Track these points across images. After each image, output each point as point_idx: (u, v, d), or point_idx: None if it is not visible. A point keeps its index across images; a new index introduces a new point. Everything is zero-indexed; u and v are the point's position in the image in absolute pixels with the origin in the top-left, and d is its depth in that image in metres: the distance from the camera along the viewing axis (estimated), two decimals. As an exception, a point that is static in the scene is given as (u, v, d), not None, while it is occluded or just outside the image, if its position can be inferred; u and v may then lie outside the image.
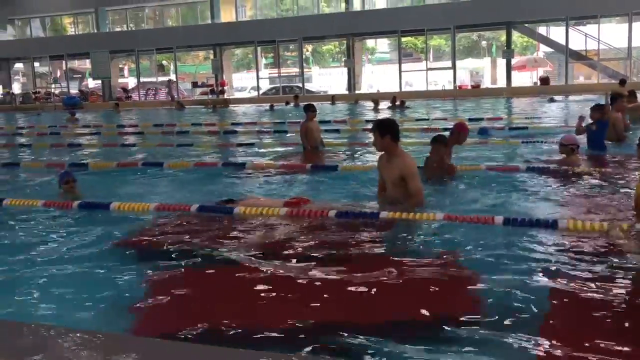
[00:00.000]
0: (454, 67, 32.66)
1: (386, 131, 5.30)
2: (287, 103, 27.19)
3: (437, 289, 3.67)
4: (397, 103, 22.57)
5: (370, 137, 5.94)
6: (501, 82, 35.18)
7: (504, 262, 3.99)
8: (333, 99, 28.09)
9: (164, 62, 44.09)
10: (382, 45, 47.34)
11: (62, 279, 3.96)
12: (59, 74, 43.36)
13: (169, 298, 3.58)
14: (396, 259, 4.19)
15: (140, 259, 4.38)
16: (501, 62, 35.35)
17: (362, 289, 3.62)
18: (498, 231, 4.66)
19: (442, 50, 42.96)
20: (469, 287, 3.66)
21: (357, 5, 36.12)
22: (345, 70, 36.38)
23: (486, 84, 38.90)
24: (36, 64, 42.62)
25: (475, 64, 43.37)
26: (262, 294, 3.63)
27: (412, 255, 4.27)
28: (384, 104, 23.17)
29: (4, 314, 3.39)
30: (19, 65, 44.79)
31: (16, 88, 43.39)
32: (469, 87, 34.46)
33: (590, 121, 9.12)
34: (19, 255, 4.53)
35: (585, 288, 3.53)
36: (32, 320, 3.19)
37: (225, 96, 34.28)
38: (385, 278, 3.76)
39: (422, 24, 32.23)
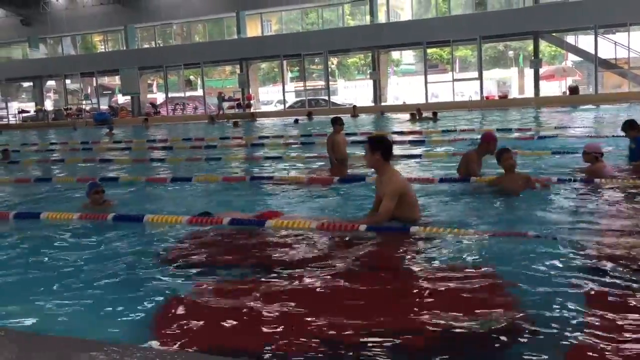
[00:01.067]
0: (480, 77, 32.45)
1: (377, 148, 5.22)
2: (297, 121, 25.88)
3: (471, 302, 3.62)
4: (428, 115, 22.26)
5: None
6: (529, 92, 34.81)
7: (537, 275, 3.92)
8: (354, 110, 27.45)
9: (191, 77, 44.68)
10: (407, 56, 47.24)
11: (94, 291, 4.01)
12: (89, 90, 44.25)
13: (200, 310, 3.60)
14: (429, 273, 4.15)
15: (173, 272, 4.41)
16: (529, 72, 34.96)
17: (397, 302, 3.59)
18: (530, 244, 4.59)
19: (468, 60, 42.70)
20: (505, 302, 3.61)
21: (382, 18, 36.21)
22: (370, 82, 36.41)
23: (514, 94, 38.51)
24: (68, 81, 43.61)
25: (502, 74, 42.95)
26: (292, 307, 3.62)
27: (445, 269, 4.23)
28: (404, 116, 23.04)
29: (36, 325, 3.44)
30: (51, 83, 45.87)
31: (48, 105, 44.39)
32: (496, 98, 34.16)
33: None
34: (53, 267, 4.62)
35: (622, 300, 3.45)
36: (64, 332, 3.24)
37: (252, 110, 34.56)
38: (419, 292, 3.73)
39: (447, 34, 32.12)
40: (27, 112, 43.67)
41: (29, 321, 3.52)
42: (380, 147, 5.21)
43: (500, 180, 6.74)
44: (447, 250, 4.69)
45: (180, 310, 3.65)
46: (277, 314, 3.50)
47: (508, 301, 3.60)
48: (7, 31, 43.36)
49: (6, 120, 42.41)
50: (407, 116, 23.18)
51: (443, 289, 3.81)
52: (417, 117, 22.10)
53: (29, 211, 6.61)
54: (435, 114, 22.21)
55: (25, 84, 46.08)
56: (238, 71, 38.45)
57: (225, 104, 38.76)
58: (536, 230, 4.85)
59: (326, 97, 36.38)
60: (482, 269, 4.16)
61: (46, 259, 4.94)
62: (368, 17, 35.93)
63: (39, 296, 3.96)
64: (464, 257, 4.51)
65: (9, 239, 5.76)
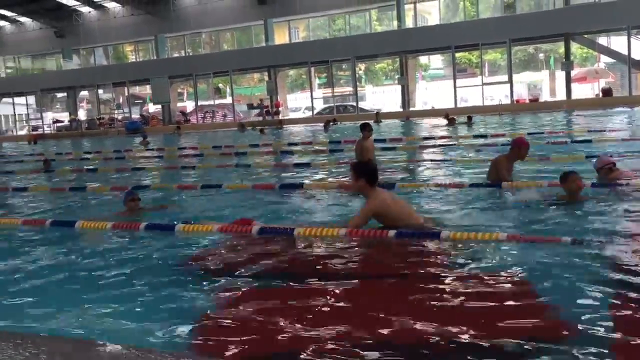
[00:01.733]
0: (510, 81, 32.08)
1: (362, 174, 5.36)
2: (327, 128, 25.47)
3: (504, 310, 3.57)
4: (462, 120, 22.08)
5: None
6: (560, 95, 34.29)
7: (572, 283, 3.85)
8: (377, 116, 27.14)
9: (220, 85, 45.19)
10: (435, 61, 46.99)
11: (127, 299, 4.07)
12: (121, 100, 45.12)
13: (230, 318, 3.62)
14: (458, 280, 4.10)
15: (204, 280, 4.45)
16: (560, 75, 34.44)
17: (428, 309, 3.56)
18: (565, 251, 4.51)
19: (497, 64, 42.27)
20: (539, 308, 3.55)
21: (409, 23, 36.11)
22: (398, 87, 36.31)
23: (545, 97, 37.96)
24: (100, 91, 44.53)
25: (533, 77, 42.37)
26: (322, 315, 3.62)
27: (475, 276, 4.18)
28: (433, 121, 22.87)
29: (72, 331, 3.50)
30: (84, 93, 46.88)
31: (82, 115, 45.35)
32: (527, 101, 33.72)
33: None
34: (87, 275, 4.71)
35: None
36: (97, 338, 3.29)
37: (280, 117, 34.78)
38: (448, 300, 3.69)
39: (476, 38, 31.85)
40: (61, 121, 44.70)
41: (59, 327, 3.58)
42: (364, 173, 5.37)
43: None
44: (478, 256, 4.63)
45: (211, 318, 3.67)
46: (304, 322, 3.50)
47: (541, 310, 3.53)
48: (41, 43, 44.52)
49: (41, 130, 43.49)
50: (436, 121, 23.04)
51: (473, 296, 3.76)
52: (449, 122, 21.92)
53: (65, 219, 6.74)
54: (470, 118, 22.00)
55: (59, 95, 47.15)
56: (266, 78, 38.75)
57: (253, 112, 39.12)
58: (571, 235, 4.75)
59: (354, 103, 36.40)
60: (514, 276, 4.09)
61: (80, 266, 5.04)
62: (395, 23, 35.86)
63: (74, 303, 4.02)
64: (495, 263, 4.45)
65: (46, 246, 5.88)
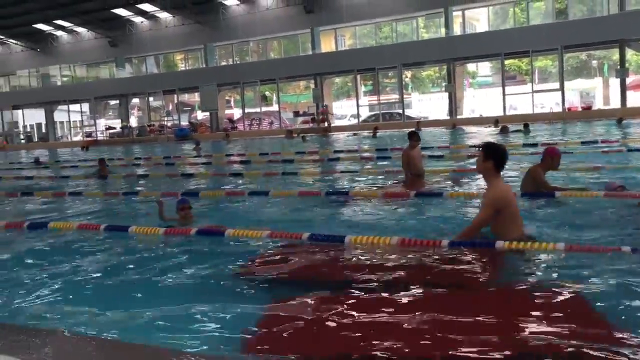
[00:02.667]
0: (562, 88, 31.31)
1: (491, 156, 4.98)
2: (375, 135, 25.87)
3: (558, 322, 3.47)
4: (517, 127, 21.76)
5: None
6: (615, 103, 33.23)
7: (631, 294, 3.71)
8: (418, 125, 26.84)
9: (266, 92, 45.70)
10: (483, 68, 46.32)
11: (177, 303, 4.13)
12: (170, 107, 46.17)
13: (280, 324, 3.63)
14: (513, 291, 4.01)
15: (254, 286, 4.49)
16: (614, 82, 33.39)
17: (478, 320, 3.49)
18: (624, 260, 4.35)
19: (548, 71, 41.35)
20: (593, 320, 3.43)
21: (457, 30, 35.73)
22: (445, 95, 35.92)
23: (598, 105, 36.87)
24: (151, 99, 45.69)
25: (586, 85, 41.24)
26: (373, 323, 3.59)
27: (531, 287, 4.07)
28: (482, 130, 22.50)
29: (124, 335, 3.57)
30: (135, 100, 48.20)
31: (133, 121, 46.58)
32: (579, 109, 32.82)
33: None
34: (139, 279, 4.81)
35: None
36: (149, 342, 3.35)
37: (325, 124, 34.92)
38: (500, 312, 3.61)
39: (526, 45, 31.25)
40: (114, 128, 46.02)
41: (119, 330, 3.66)
42: (494, 155, 4.97)
43: None
44: (534, 266, 4.52)
45: (260, 323, 3.69)
46: (353, 331, 3.48)
47: (599, 323, 3.42)
48: (96, 52, 46.05)
49: (95, 136, 44.90)
50: (486, 129, 22.68)
51: (528, 309, 3.66)
52: (502, 130, 21.55)
53: (118, 224, 6.92)
54: (526, 125, 21.62)
55: (112, 102, 48.59)
56: (312, 86, 38.96)
57: (299, 119, 39.38)
58: (632, 245, 4.58)
59: (400, 111, 36.20)
60: (571, 287, 3.97)
61: (132, 271, 5.15)
62: (443, 30, 35.53)
63: (126, 307, 4.11)
64: (553, 274, 4.33)
65: (101, 249, 6.04)
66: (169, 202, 7.53)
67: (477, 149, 8.75)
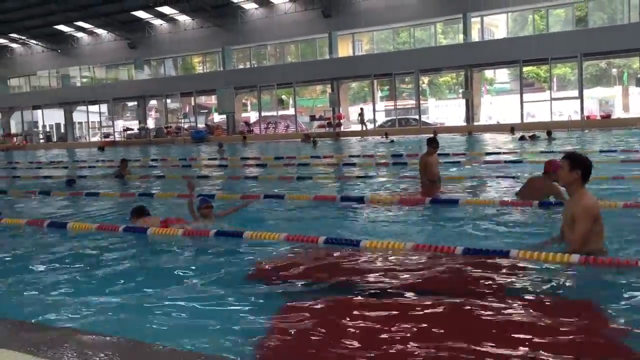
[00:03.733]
0: (580, 96, 31.03)
1: (578, 166, 4.70)
2: (392, 140, 26.20)
3: (580, 336, 3.44)
4: (538, 134, 21.63)
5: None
6: (635, 112, 32.87)
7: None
8: (435, 133, 26.62)
9: (283, 96, 45.82)
10: (501, 75, 46.02)
11: (194, 305, 4.15)
12: (187, 109, 46.44)
13: (292, 328, 3.64)
14: (527, 303, 3.98)
15: (269, 288, 4.50)
16: (634, 90, 33.08)
17: (492, 330, 3.47)
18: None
19: (567, 78, 40.99)
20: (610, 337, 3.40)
21: (475, 36, 35.58)
22: (462, 101, 35.77)
23: (617, 114, 36.46)
24: (168, 101, 46.04)
25: (605, 93, 40.80)
26: (387, 328, 3.58)
27: (542, 299, 4.04)
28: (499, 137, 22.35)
29: (139, 335, 3.60)
30: (153, 102, 48.58)
31: (150, 123, 46.96)
32: (598, 118, 32.49)
33: None
34: (156, 280, 4.85)
35: None
36: (164, 343, 3.37)
37: (342, 129, 34.92)
38: (516, 322, 3.59)
39: (545, 52, 31.02)
40: (131, 129, 46.41)
41: (132, 329, 3.70)
42: (581, 166, 4.71)
43: None
44: (547, 278, 4.48)
45: (275, 327, 3.70)
46: (366, 337, 3.48)
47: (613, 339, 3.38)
48: (115, 54, 46.51)
49: (112, 137, 45.33)
50: (503, 136, 22.55)
51: (540, 320, 3.63)
52: (524, 138, 21.45)
53: (137, 225, 6.97)
54: (550, 132, 21.49)
55: (130, 103, 49.03)
56: (329, 90, 38.99)
57: (315, 123, 39.43)
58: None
59: (416, 117, 36.10)
60: (586, 300, 3.94)
61: (151, 272, 5.19)
62: (461, 36, 35.40)
63: (142, 307, 4.15)
64: (567, 286, 4.30)
65: (119, 250, 6.10)
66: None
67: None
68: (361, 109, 36.49)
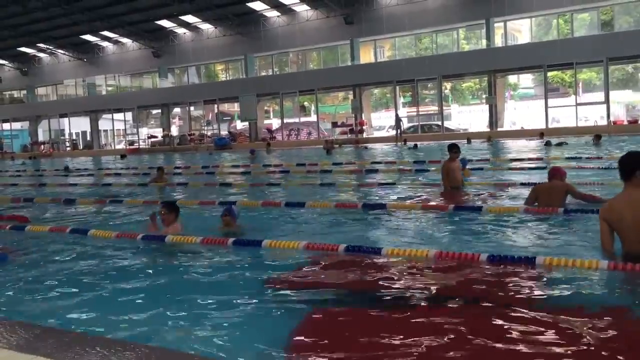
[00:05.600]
0: (607, 101, 30.52)
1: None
2: (415, 146, 26.25)
3: (614, 345, 3.33)
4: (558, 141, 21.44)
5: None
6: (663, 117, 32.22)
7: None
8: (469, 140, 26.48)
9: (305, 103, 45.93)
10: (525, 80, 45.52)
11: (213, 313, 4.13)
12: (210, 116, 46.78)
13: (314, 336, 3.59)
14: (553, 311, 3.88)
15: (289, 297, 4.46)
16: (662, 95, 32.42)
17: (521, 340, 3.38)
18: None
19: (592, 83, 40.36)
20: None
21: (498, 41, 35.26)
22: (485, 107, 35.43)
23: (644, 118, 35.78)
24: (191, 108, 46.47)
25: (632, 98, 40.07)
26: (410, 337, 3.51)
27: (569, 307, 3.93)
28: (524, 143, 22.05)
29: (162, 342, 3.59)
30: (176, 110, 49.09)
31: (174, 130, 47.43)
32: (625, 123, 31.92)
33: None
34: (174, 288, 4.84)
35: None
36: (180, 349, 3.35)
37: (365, 135, 34.78)
38: (543, 330, 3.49)
39: (570, 57, 30.63)
40: (156, 137, 46.92)
41: (145, 337, 3.69)
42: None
43: None
44: (575, 284, 4.37)
45: (292, 334, 3.66)
46: (386, 345, 3.41)
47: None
48: (140, 62, 47.15)
49: (137, 144, 45.88)
50: (528, 143, 22.27)
51: (567, 329, 3.52)
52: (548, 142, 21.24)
53: (155, 234, 6.98)
54: (599, 137, 21.18)
55: (154, 111, 49.60)
56: (351, 97, 38.97)
57: (337, 130, 39.39)
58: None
59: (439, 122, 35.87)
60: (614, 308, 3.82)
61: (170, 280, 5.18)
62: (484, 42, 35.12)
63: (162, 315, 4.14)
64: (594, 293, 4.18)
65: (137, 258, 6.12)
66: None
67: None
68: (397, 114, 36.04)
